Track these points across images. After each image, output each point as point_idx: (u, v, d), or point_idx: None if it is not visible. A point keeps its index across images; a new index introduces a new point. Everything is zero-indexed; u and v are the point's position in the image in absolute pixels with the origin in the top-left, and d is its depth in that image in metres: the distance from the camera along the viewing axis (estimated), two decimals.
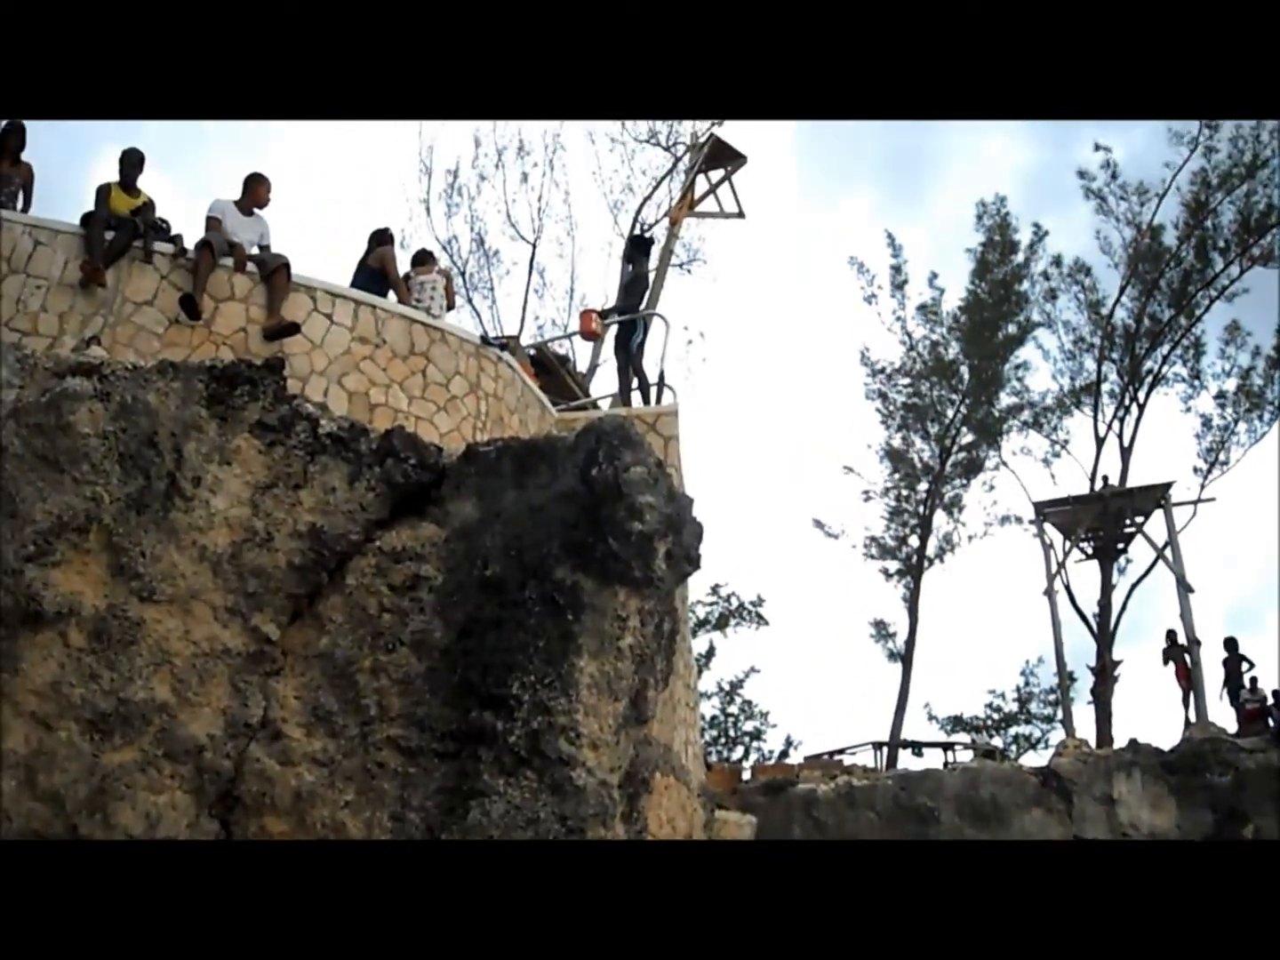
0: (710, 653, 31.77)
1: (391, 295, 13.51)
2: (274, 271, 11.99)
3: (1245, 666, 24.59)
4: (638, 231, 30.06)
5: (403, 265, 14.89)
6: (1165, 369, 34.99)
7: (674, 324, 22.38)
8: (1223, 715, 24.77)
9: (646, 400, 16.87)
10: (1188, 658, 25.94)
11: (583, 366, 26.89)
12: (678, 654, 9.20)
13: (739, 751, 32.66)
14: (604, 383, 25.82)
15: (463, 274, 31.97)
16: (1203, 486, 33.56)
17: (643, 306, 18.73)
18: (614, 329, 18.68)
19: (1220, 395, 34.72)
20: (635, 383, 17.26)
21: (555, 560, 6.83)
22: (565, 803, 6.68)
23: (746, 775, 23.75)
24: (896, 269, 36.59)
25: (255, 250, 12.44)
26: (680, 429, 15.01)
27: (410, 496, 7.69)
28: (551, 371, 18.46)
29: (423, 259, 15.15)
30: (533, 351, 19.07)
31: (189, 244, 12.02)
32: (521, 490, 7.34)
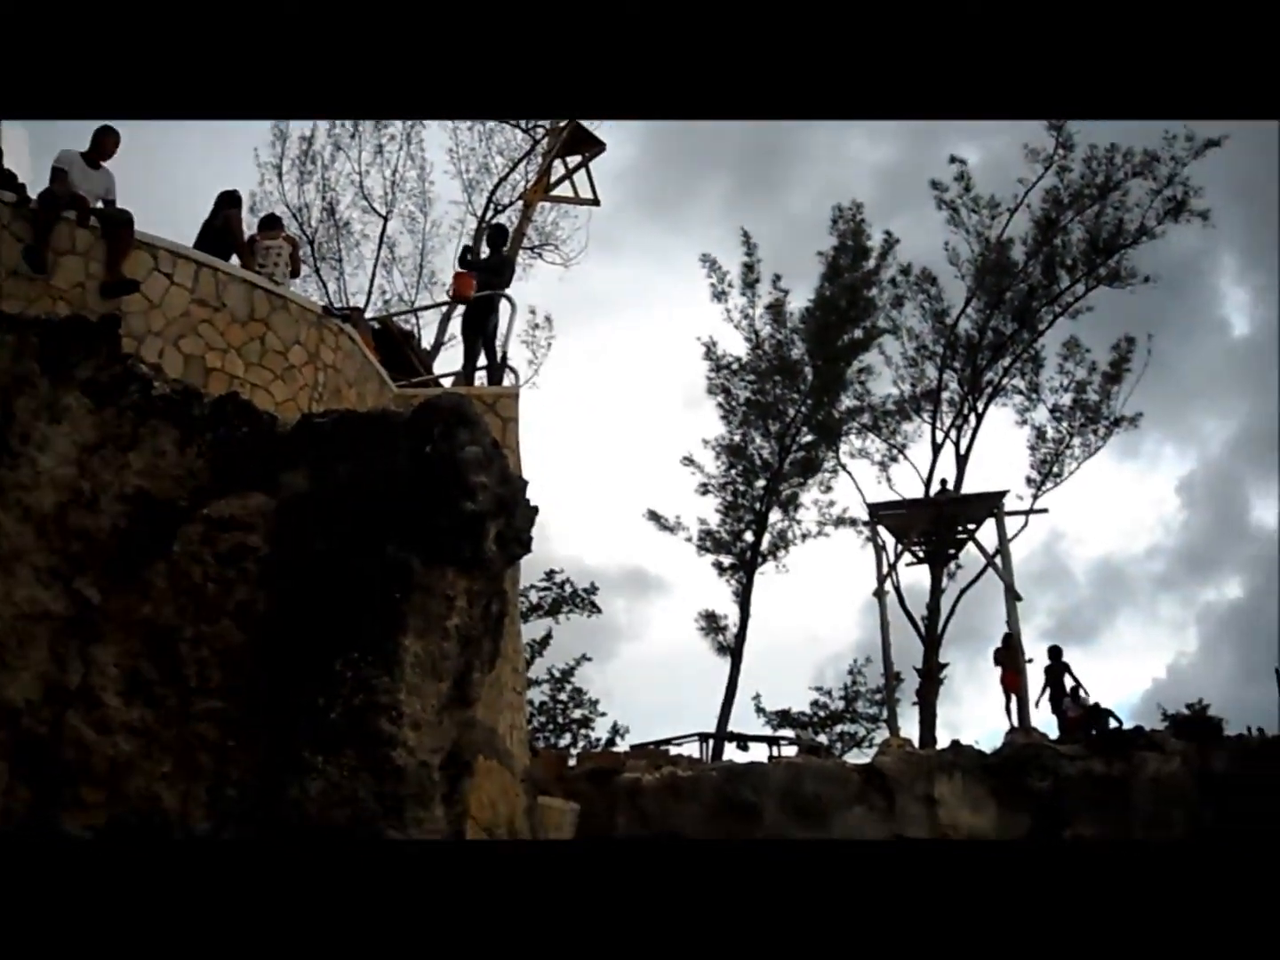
0: (545, 640, 31.76)
1: (235, 259, 13.24)
2: (117, 227, 11.68)
3: (1068, 675, 25.18)
4: (492, 211, 29.86)
5: (250, 230, 14.61)
6: (1005, 380, 35.75)
7: (521, 307, 22.29)
8: (1045, 722, 25.40)
9: (494, 382, 16.77)
10: (1015, 664, 26.49)
11: (428, 344, 26.64)
12: (505, 637, 9.17)
13: (566, 739, 32.68)
14: (448, 362, 25.61)
15: (311, 243, 31.43)
16: (1035, 497, 34.28)
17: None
18: (462, 310, 18.52)
19: (1056, 409, 35.56)
20: (485, 363, 17.16)
21: (385, 537, 6.76)
22: (384, 782, 6.62)
23: (572, 762, 23.72)
24: (749, 266, 36.87)
25: (100, 205, 12.11)
26: (520, 412, 14.95)
27: (241, 465, 7.54)
28: (395, 347, 18.23)
29: (270, 224, 14.89)
30: (377, 325, 18.82)
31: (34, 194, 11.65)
32: (355, 464, 7.23)
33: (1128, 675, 73.52)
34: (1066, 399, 35.40)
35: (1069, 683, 25.09)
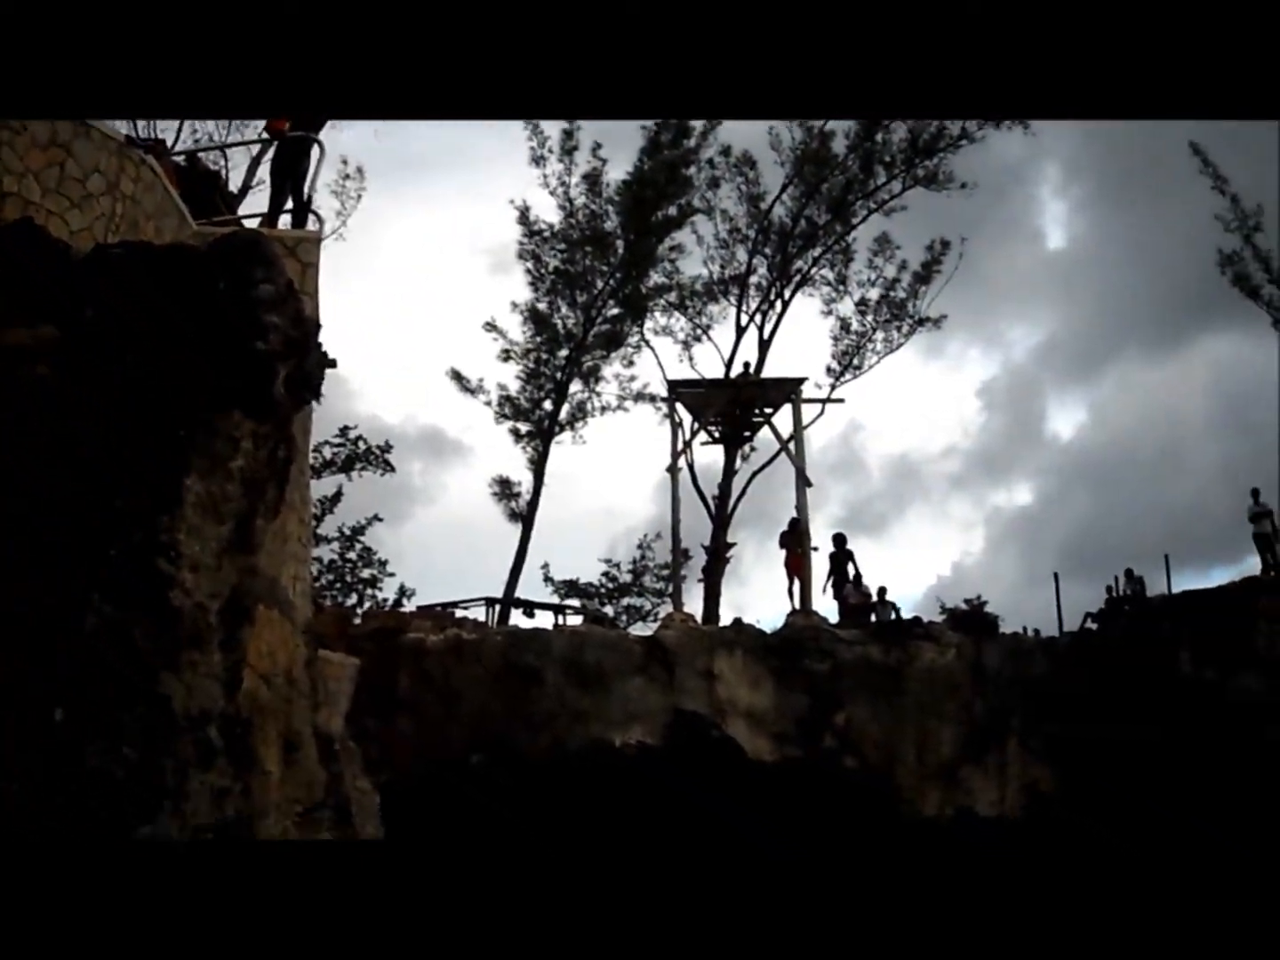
0: (335, 496, 31.35)
1: None
2: None
3: (851, 563, 25.76)
4: None
5: None
6: (814, 270, 36.19)
7: (333, 157, 21.63)
8: (828, 608, 26.00)
9: (297, 226, 16.33)
10: (800, 548, 26.96)
11: (236, 187, 25.82)
12: (292, 486, 9.06)
13: (353, 599, 32.45)
14: (255, 205, 24.83)
15: None
16: (833, 387, 34.99)
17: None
18: (275, 149, 17.95)
19: (862, 302, 36.11)
20: (291, 207, 16.69)
21: (172, 373, 6.59)
22: (160, 623, 6.52)
23: (357, 621, 23.57)
24: (568, 133, 36.37)
25: None
26: (321, 259, 14.59)
27: (32, 294, 7.25)
28: (200, 186, 17.61)
29: None
30: (183, 162, 18.15)
31: None
32: (147, 298, 7.02)
33: (913, 571, 76.02)
34: (874, 294, 36.08)
35: (851, 571, 25.73)
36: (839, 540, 26.28)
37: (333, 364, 8.95)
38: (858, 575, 25.57)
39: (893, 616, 23.51)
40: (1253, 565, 24.59)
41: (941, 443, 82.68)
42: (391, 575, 32.42)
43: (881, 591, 24.22)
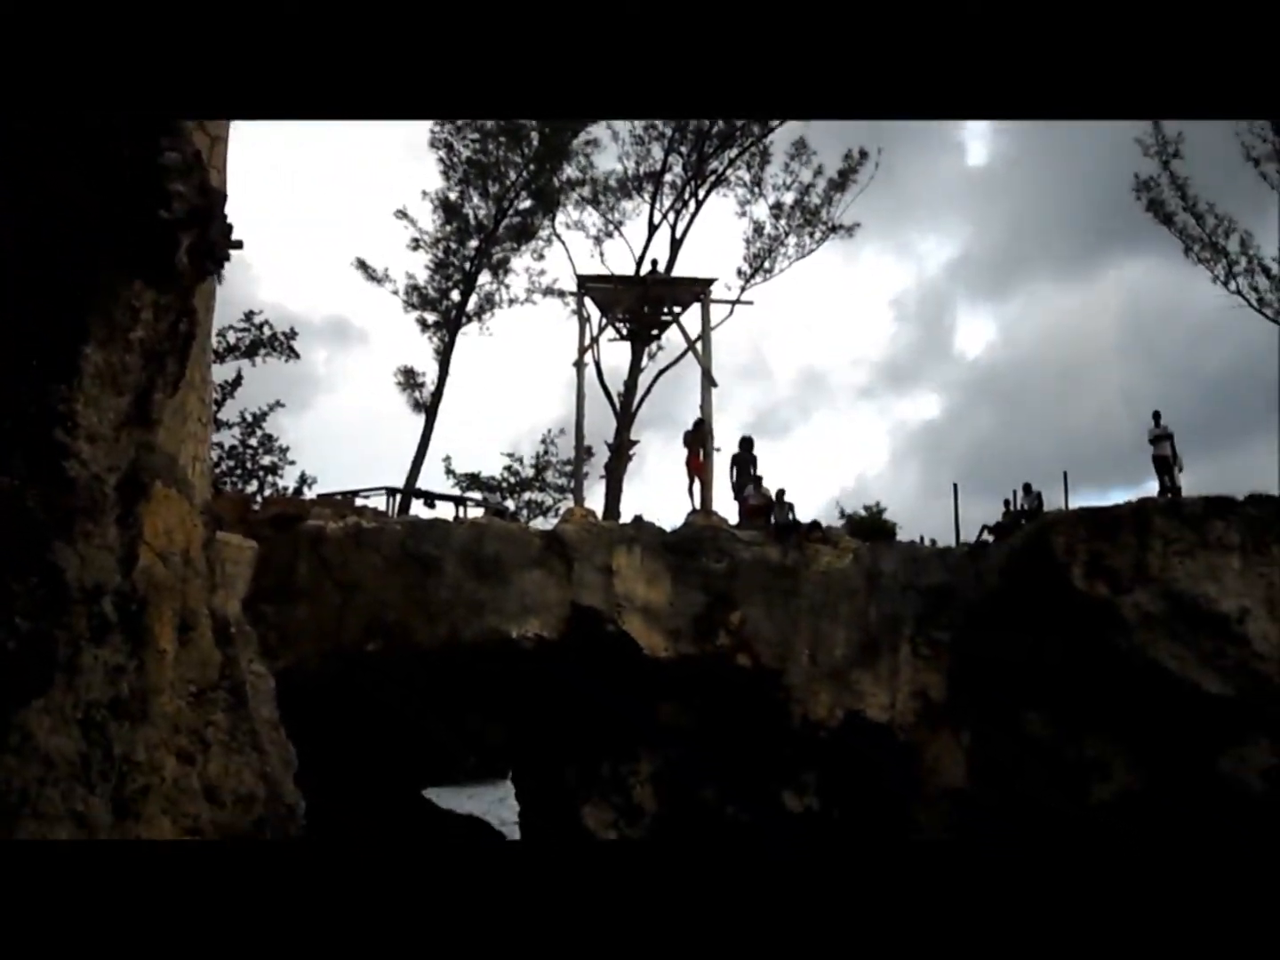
0: (236, 381, 30.87)
1: None
2: None
3: (753, 467, 25.79)
4: None
5: None
6: (729, 171, 36.00)
7: None
8: (727, 508, 26.13)
9: None
10: (702, 448, 27.01)
11: None
12: (193, 363, 8.94)
13: (254, 486, 32.09)
14: None
15: None
16: (743, 289, 34.95)
17: None
18: None
19: (777, 206, 36.01)
20: None
21: (70, 240, 6.44)
22: (55, 494, 6.42)
23: (257, 506, 23.38)
24: None
25: None
26: (230, 133, 14.25)
27: None
28: None
29: None
30: None
31: None
32: (43, 163, 6.83)
33: (818, 480, 76.57)
34: (789, 198, 35.93)
35: (754, 474, 25.83)
36: (745, 443, 26.33)
37: (238, 245, 8.81)
38: (758, 478, 25.64)
39: (790, 518, 23.67)
40: (1151, 489, 24.95)
41: (850, 353, 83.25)
42: (292, 463, 32.07)
43: (780, 493, 24.31)
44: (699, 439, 27.13)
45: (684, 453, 27.17)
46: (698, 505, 26.02)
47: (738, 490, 25.86)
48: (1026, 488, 25.86)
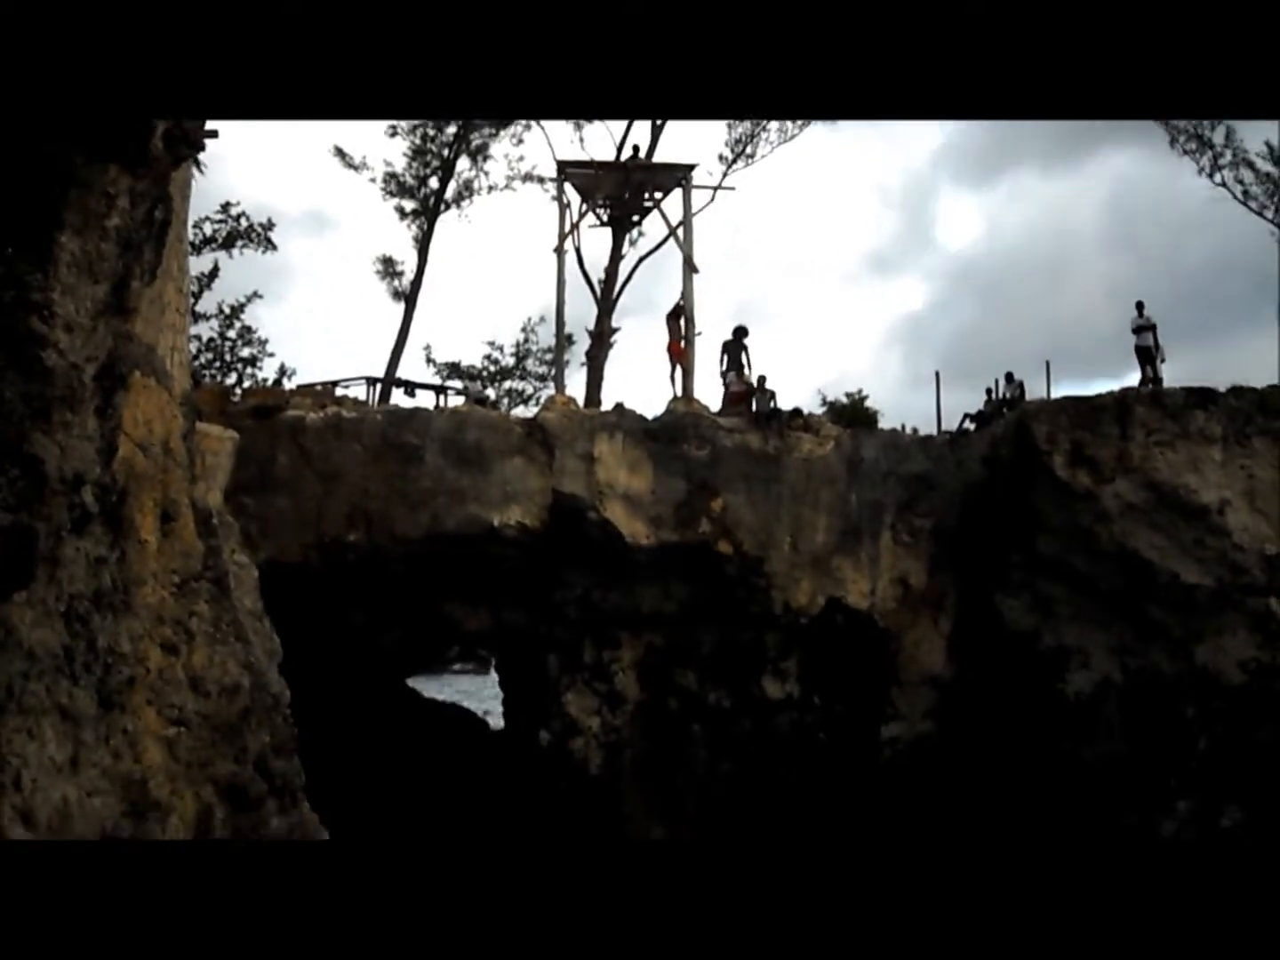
0: (213, 273, 30.59)
1: None
2: None
3: (744, 355, 25.50)
4: None
5: None
6: None
7: None
8: (708, 394, 25.94)
9: None
10: (685, 334, 26.76)
11: None
12: (170, 252, 8.82)
13: (233, 378, 31.91)
14: None
15: None
16: (725, 175, 34.55)
17: None
18: None
19: None
20: None
21: (45, 126, 6.30)
22: (32, 383, 6.34)
23: (236, 398, 23.27)
24: None
25: None
26: None
27: None
28: None
29: None
30: None
31: None
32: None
33: (800, 369, 76.34)
34: None
35: (743, 362, 25.61)
36: (738, 332, 26.07)
37: (213, 134, 8.68)
38: (741, 365, 25.40)
39: (771, 405, 23.58)
40: (1134, 380, 24.95)
41: (833, 241, 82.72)
42: (271, 355, 31.92)
43: (761, 380, 24.15)
44: (679, 325, 26.87)
45: (666, 338, 26.94)
46: (679, 391, 25.81)
47: (723, 378, 25.66)
48: (1009, 376, 25.85)
